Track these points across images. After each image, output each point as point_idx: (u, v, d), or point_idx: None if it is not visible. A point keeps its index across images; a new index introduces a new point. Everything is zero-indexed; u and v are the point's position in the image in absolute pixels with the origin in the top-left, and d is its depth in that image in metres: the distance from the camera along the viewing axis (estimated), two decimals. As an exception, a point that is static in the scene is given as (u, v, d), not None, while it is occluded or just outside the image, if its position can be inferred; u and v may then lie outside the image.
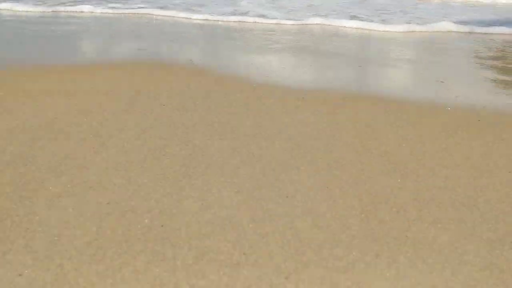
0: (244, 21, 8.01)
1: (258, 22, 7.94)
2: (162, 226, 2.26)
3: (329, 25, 7.96)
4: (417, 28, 7.85)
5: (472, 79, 5.13)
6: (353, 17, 8.46)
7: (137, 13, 8.39)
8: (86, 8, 8.40)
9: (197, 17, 8.26)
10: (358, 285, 1.94)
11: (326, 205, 2.49)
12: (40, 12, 8.25)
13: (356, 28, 7.83)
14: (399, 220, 2.38)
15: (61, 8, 8.41)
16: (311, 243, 2.19)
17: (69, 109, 3.55)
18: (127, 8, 8.67)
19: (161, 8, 8.70)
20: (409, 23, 8.13)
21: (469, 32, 7.75)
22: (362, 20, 8.24)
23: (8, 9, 8.39)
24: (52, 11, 8.32)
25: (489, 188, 2.72)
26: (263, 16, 8.34)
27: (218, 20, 8.11)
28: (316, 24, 8.00)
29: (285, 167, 2.87)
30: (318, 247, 2.16)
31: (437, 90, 4.56)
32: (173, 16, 8.31)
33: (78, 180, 2.61)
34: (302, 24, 7.95)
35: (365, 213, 2.42)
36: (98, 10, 8.38)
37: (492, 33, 7.71)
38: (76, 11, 8.32)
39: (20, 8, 8.42)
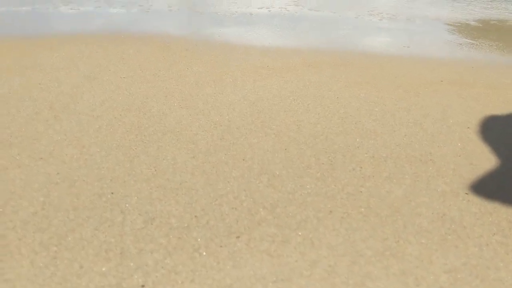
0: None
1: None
2: (112, 193, 2.20)
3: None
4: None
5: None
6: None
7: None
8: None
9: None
10: (310, 241, 1.92)
11: (282, 165, 2.46)
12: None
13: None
14: (354, 177, 2.36)
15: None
16: (265, 202, 2.16)
17: (24, 84, 3.44)
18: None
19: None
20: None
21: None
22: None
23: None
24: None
25: (446, 143, 2.71)
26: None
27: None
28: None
29: (243, 131, 2.83)
30: (271, 206, 2.13)
31: (403, 50, 4.53)
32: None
33: (27, 152, 2.53)
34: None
35: (321, 172, 2.40)
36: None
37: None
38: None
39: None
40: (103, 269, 1.76)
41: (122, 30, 5.14)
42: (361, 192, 2.23)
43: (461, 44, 4.93)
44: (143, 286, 1.69)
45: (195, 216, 2.06)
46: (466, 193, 2.24)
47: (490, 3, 7.33)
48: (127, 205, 2.12)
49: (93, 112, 3.03)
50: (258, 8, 6.43)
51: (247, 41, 4.85)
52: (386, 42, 4.98)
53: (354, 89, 3.50)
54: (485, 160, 2.54)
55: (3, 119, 2.90)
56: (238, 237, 1.94)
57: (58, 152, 2.55)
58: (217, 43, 4.73)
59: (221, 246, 1.88)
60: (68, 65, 3.85)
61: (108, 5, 6.43)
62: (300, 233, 1.96)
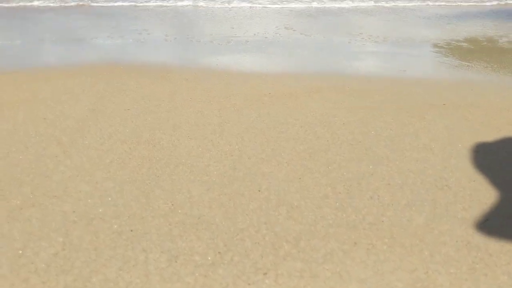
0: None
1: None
2: (131, 231, 2.17)
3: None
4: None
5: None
6: None
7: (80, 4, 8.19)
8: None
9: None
10: (339, 275, 1.90)
11: (300, 196, 2.45)
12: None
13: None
14: (373, 206, 2.35)
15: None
16: (287, 236, 2.14)
17: (28, 119, 3.40)
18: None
19: None
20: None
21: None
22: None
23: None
24: None
25: (458, 168, 2.73)
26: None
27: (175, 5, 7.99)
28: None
29: (255, 161, 2.82)
30: (294, 239, 2.11)
31: (401, 73, 4.59)
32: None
33: (41, 190, 2.49)
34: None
35: (339, 202, 2.39)
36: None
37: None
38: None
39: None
40: (132, 311, 1.72)
41: (120, 60, 5.15)
42: (382, 221, 2.22)
43: (456, 66, 5.01)
44: (175, 328, 1.65)
45: (219, 253, 2.03)
46: (487, 219, 2.24)
47: (478, 22, 7.49)
48: (148, 242, 2.09)
49: (102, 146, 3.00)
50: (253, 35, 6.49)
51: (245, 68, 4.87)
52: (383, 66, 5.04)
53: (358, 115, 3.52)
54: (500, 184, 2.56)
55: (12, 156, 2.86)
56: (265, 273, 1.91)
57: (71, 189, 2.51)
58: (216, 71, 4.74)
59: (249, 284, 1.86)
60: (70, 98, 3.83)
61: (104, 36, 6.44)
62: (327, 267, 1.94)
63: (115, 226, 2.20)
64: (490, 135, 3.17)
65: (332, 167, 2.75)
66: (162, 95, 3.94)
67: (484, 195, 2.45)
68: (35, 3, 8.23)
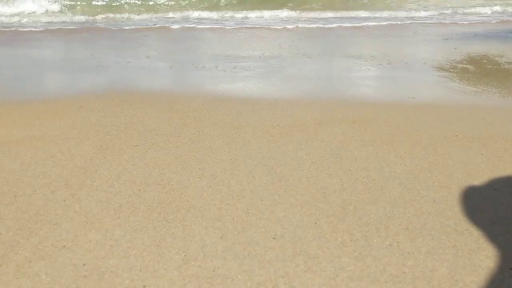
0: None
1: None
2: (144, 286, 2.10)
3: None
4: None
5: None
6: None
7: (94, 27, 8.19)
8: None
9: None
10: (361, 335, 1.82)
11: (316, 244, 2.37)
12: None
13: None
14: (393, 255, 2.28)
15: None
16: (306, 290, 2.06)
17: (36, 158, 3.35)
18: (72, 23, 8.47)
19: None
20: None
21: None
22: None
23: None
24: None
25: (478, 209, 2.66)
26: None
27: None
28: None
29: (268, 204, 2.75)
30: (314, 294, 2.04)
31: (410, 101, 4.53)
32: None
33: (50, 240, 2.42)
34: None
35: (358, 251, 2.31)
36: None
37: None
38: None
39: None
40: None
41: (126, 90, 5.10)
42: (404, 273, 2.15)
43: (464, 92, 4.95)
44: None
45: (236, 310, 1.96)
46: (511, 268, 2.17)
47: (483, 43, 7.46)
48: (162, 300, 2.02)
49: (111, 188, 2.94)
50: (259, 58, 6.46)
51: (253, 97, 4.82)
52: (391, 94, 4.99)
53: (370, 148, 3.46)
54: (521, 227, 2.49)
55: (20, 201, 2.80)
56: (285, 334, 1.84)
57: (81, 238, 2.44)
58: (223, 100, 4.69)
59: None
60: (77, 135, 3.77)
61: (107, 66, 6.42)
62: (350, 327, 1.86)
63: (127, 281, 2.12)
64: (508, 170, 3.10)
65: (347, 209, 2.67)
66: (171, 128, 3.89)
67: (507, 240, 2.37)
68: (26, 27, 8.22)
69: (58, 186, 2.96)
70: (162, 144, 3.59)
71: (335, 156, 3.35)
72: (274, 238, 2.43)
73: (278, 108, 4.40)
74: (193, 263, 2.25)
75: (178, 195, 2.86)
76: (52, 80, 5.69)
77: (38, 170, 3.18)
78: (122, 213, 2.66)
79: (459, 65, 6.07)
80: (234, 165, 3.23)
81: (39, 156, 3.38)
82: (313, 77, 5.65)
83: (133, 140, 3.66)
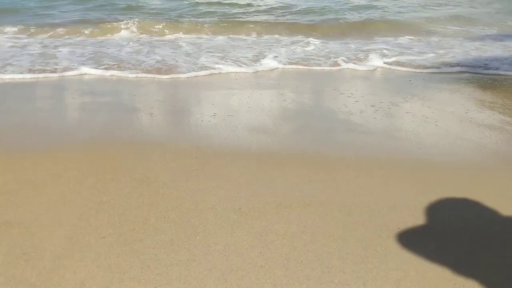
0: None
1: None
2: None
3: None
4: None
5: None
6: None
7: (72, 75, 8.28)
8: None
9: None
10: None
11: None
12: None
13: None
14: None
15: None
16: None
17: (10, 256, 3.52)
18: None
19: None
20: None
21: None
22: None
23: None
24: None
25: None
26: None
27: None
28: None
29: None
30: None
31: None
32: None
33: None
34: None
35: None
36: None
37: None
38: None
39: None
40: None
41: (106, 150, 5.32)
42: None
43: (489, 150, 5.15)
44: None
45: None
46: None
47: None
48: None
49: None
50: (214, 114, 6.60)
51: (219, 169, 5.01)
52: (399, 146, 5.16)
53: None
54: None
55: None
56: None
57: None
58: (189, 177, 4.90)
59: None
60: (51, 219, 4.01)
61: (80, 118, 6.59)
62: None
63: None
64: None
65: None
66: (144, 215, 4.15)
67: None
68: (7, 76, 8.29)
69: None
70: (126, 237, 3.85)
71: (290, 259, 3.60)
72: None
73: (244, 183, 4.61)
74: None
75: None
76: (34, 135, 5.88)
77: (9, 273, 3.43)
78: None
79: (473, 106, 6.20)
80: (190, 270, 3.49)
81: (13, 253, 3.59)
82: (289, 133, 5.79)
83: (102, 229, 3.92)
